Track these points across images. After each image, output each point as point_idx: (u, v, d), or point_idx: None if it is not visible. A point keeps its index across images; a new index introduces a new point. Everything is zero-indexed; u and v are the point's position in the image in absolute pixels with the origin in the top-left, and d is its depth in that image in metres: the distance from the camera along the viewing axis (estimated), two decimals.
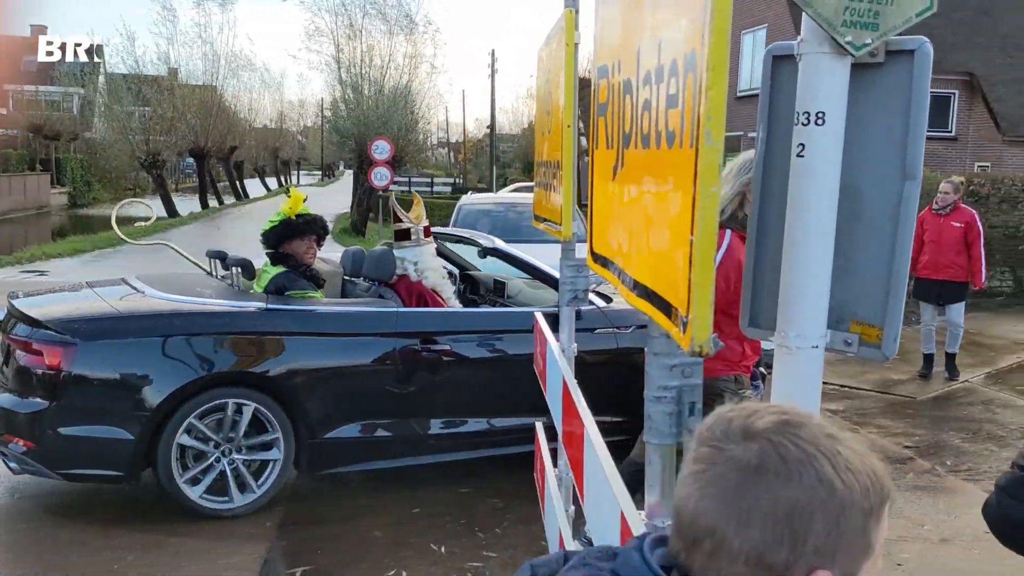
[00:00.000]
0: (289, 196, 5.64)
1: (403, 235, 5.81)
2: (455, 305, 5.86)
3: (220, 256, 6.03)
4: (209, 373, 4.99)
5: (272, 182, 64.01)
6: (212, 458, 5.09)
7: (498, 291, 6.64)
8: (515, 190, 30.16)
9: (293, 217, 5.54)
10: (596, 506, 2.22)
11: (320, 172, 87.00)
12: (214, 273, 6.26)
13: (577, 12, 3.08)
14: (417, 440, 5.44)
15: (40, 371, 4.86)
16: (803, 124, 1.98)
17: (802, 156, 1.99)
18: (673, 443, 1.87)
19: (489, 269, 6.95)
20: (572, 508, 3.44)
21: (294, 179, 77.70)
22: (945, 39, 25.27)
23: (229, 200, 45.72)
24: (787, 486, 0.97)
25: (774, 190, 2.14)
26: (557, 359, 3.26)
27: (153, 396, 4.90)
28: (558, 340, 3.52)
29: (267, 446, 5.20)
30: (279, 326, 5.20)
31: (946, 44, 25.22)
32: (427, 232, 5.83)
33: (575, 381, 2.92)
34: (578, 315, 5.47)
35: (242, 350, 5.10)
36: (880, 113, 2.00)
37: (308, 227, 5.55)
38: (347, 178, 57.68)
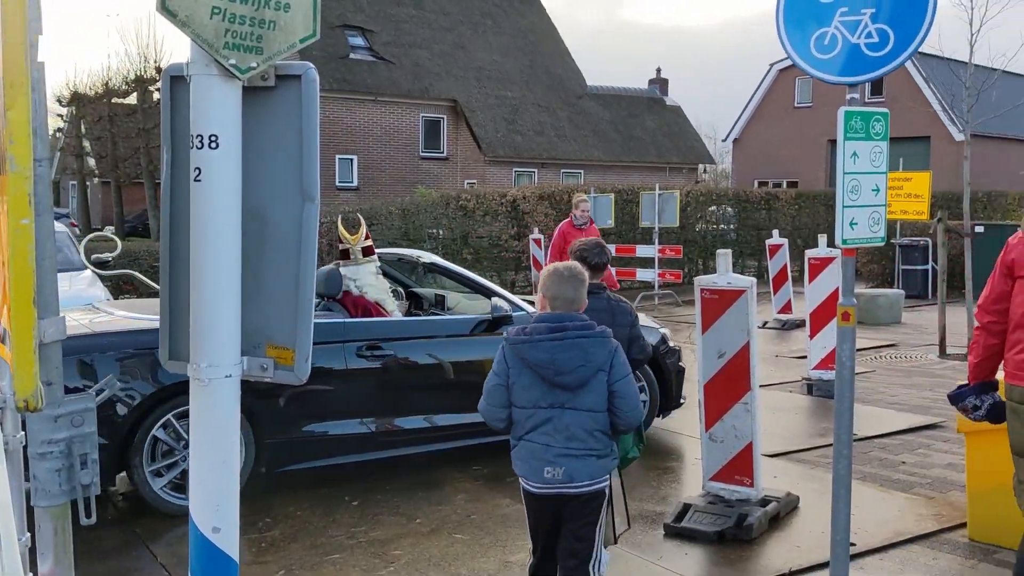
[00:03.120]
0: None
1: (344, 255, 6.25)
2: (398, 316, 6.30)
3: None
4: (171, 384, 5.19)
5: None
6: (179, 456, 5.32)
7: (439, 303, 7.19)
8: None
9: None
10: None
11: None
12: None
13: None
14: (366, 438, 5.84)
15: None
16: (198, 147, 1.87)
17: (199, 180, 1.88)
18: (66, 502, 1.64)
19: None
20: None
21: None
22: (431, 68, 27.52)
23: None
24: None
25: (183, 216, 2.00)
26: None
27: (122, 406, 5.16)
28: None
29: None
30: None
31: (432, 73, 27.48)
32: (369, 251, 6.27)
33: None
34: (511, 320, 6.06)
35: None
36: (277, 137, 1.96)
37: None
38: None
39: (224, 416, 1.92)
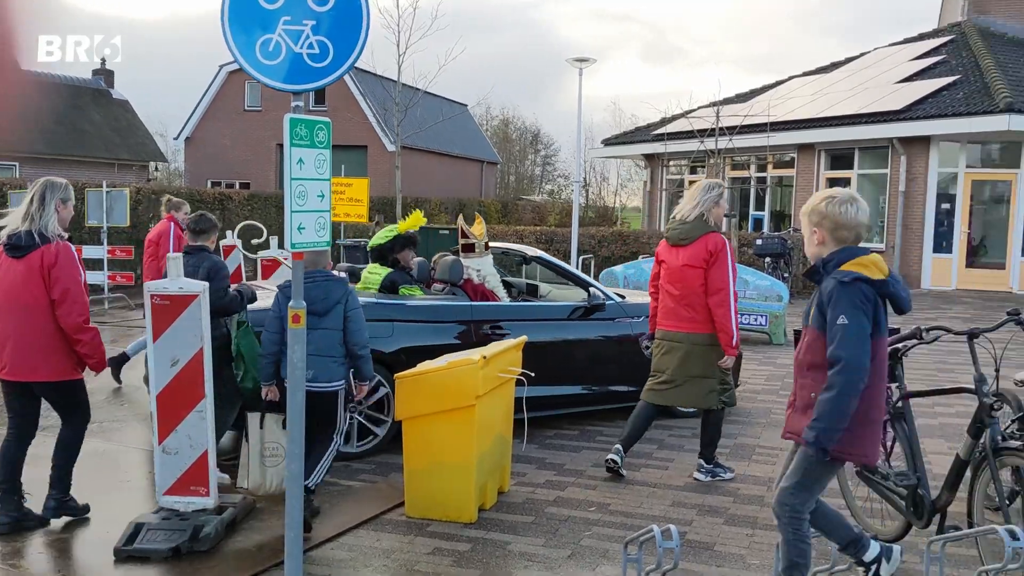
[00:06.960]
0: (408, 217, 7.11)
1: (468, 248, 7.07)
2: (507, 302, 7.17)
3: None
4: None
5: None
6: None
7: (532, 292, 8.15)
8: None
9: (403, 233, 6.93)
10: None
11: None
12: None
13: None
14: None
15: None
16: None
17: None
18: None
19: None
20: None
21: None
22: None
23: None
24: None
25: None
26: None
27: None
28: None
29: (378, 423, 6.23)
30: (387, 315, 6.33)
31: None
32: (487, 246, 7.13)
33: None
34: (604, 308, 7.14)
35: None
36: None
37: (414, 240, 6.99)
38: None
39: None
